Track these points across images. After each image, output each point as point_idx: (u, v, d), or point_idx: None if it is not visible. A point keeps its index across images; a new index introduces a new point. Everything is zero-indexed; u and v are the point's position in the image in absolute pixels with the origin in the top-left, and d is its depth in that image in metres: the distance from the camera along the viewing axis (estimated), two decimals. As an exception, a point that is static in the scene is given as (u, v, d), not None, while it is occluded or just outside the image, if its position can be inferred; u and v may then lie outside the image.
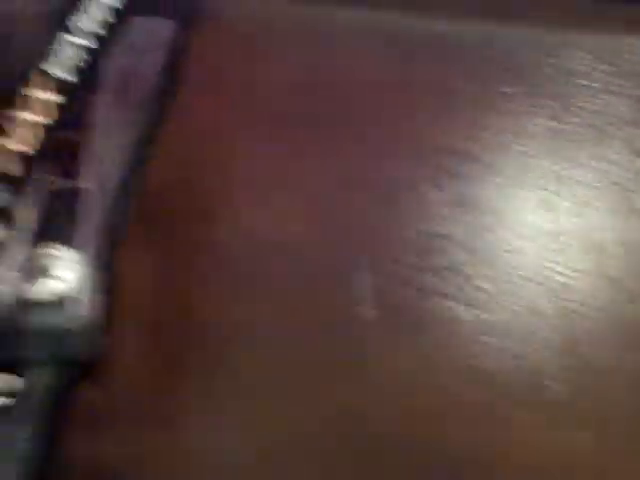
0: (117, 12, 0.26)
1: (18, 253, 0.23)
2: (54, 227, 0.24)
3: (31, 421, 0.22)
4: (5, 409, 0.22)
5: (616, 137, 0.26)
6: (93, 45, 0.25)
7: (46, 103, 0.24)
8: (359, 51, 0.30)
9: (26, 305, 0.23)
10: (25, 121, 0.24)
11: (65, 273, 0.23)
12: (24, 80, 0.24)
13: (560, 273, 0.24)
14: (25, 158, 0.23)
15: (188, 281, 0.26)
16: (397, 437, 0.23)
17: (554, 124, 0.27)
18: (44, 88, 0.24)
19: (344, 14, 0.31)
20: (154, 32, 0.30)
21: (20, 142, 0.23)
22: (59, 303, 0.23)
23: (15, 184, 0.22)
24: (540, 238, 0.25)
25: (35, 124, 0.24)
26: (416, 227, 0.25)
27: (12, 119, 0.24)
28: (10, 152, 0.23)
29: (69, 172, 0.25)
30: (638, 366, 0.23)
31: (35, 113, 0.24)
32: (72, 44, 0.25)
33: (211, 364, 0.24)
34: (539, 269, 0.24)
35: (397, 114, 0.28)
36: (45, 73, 0.24)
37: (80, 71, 0.25)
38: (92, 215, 0.25)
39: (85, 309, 0.23)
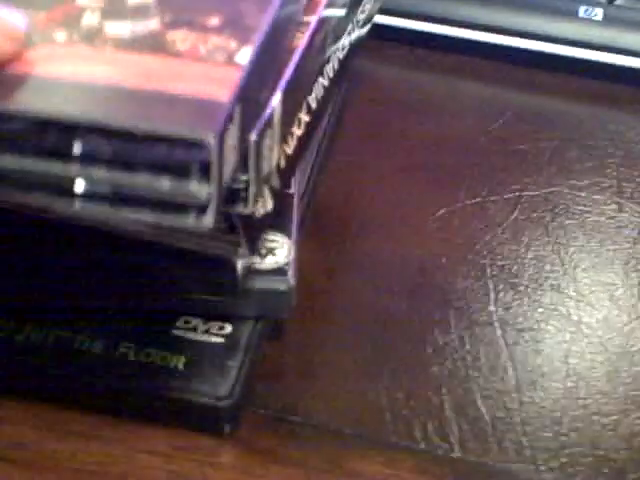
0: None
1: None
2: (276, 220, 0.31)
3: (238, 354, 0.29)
4: (226, 343, 0.29)
5: None
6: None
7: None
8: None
9: (254, 273, 0.29)
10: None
11: (281, 252, 0.30)
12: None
13: None
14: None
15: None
16: None
17: None
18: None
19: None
20: None
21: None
22: (277, 272, 0.30)
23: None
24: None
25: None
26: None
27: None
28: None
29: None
30: None
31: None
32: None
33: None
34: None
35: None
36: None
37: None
38: (297, 212, 0.32)
39: (292, 278, 0.30)
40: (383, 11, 0.45)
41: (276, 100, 0.25)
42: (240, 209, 0.25)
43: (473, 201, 0.38)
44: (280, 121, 0.26)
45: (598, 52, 0.46)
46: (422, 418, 0.29)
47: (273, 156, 0.26)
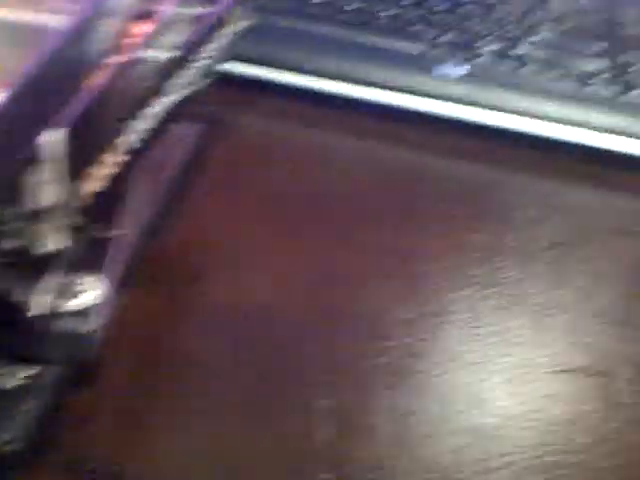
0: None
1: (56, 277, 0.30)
2: (89, 259, 0.31)
3: (40, 396, 0.28)
4: (21, 387, 0.28)
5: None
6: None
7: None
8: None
9: (56, 315, 0.29)
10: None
11: (88, 294, 0.30)
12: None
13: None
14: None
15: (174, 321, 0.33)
16: None
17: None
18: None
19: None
20: (182, 132, 0.39)
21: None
22: (80, 314, 0.29)
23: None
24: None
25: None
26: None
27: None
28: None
29: (109, 222, 0.32)
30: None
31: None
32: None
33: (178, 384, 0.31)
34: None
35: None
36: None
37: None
38: (118, 255, 0.32)
39: (95, 321, 0.29)
40: (252, 62, 0.47)
41: (51, 137, 0.25)
42: (5, 244, 0.24)
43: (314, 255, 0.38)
44: (65, 158, 0.26)
45: (459, 107, 0.47)
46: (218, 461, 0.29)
47: (56, 192, 0.26)
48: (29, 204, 0.25)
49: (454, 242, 0.40)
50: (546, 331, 0.36)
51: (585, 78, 0.48)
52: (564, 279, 0.39)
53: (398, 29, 0.50)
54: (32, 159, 0.24)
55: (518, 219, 0.42)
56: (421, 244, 0.40)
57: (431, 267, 0.38)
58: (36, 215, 0.25)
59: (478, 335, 0.35)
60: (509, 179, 0.46)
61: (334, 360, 0.33)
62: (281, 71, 0.48)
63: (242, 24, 0.39)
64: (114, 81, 0.29)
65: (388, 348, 0.34)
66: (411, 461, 0.30)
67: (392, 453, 0.30)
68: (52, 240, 0.27)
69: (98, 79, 0.28)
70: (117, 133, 0.30)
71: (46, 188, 0.25)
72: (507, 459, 0.31)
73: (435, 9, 0.52)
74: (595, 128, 0.47)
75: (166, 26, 0.32)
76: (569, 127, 0.47)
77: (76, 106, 0.27)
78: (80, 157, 0.27)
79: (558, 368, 0.34)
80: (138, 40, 0.31)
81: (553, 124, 0.47)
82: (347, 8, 0.52)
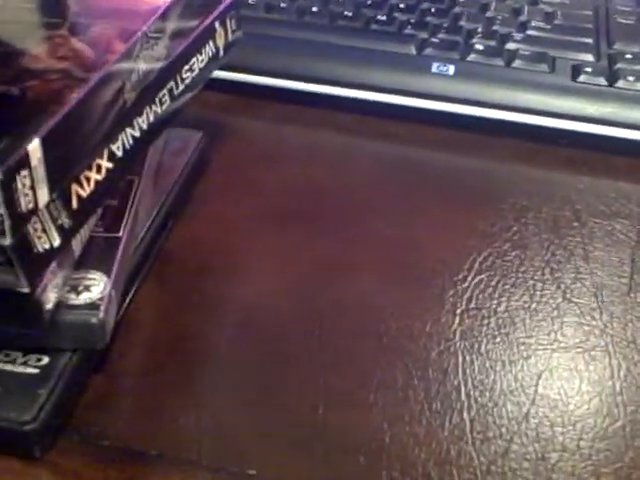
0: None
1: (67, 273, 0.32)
2: (96, 258, 0.34)
3: (56, 381, 0.31)
4: (37, 373, 0.31)
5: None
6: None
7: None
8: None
9: (67, 308, 0.32)
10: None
11: (96, 289, 0.33)
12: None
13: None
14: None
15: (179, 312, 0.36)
16: None
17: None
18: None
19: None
20: (185, 138, 0.42)
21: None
22: (89, 307, 0.32)
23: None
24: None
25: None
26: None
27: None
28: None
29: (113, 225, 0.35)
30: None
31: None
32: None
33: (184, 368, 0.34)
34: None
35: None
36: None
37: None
38: (122, 255, 0.35)
39: (103, 313, 0.32)
40: (248, 70, 0.49)
41: (32, 145, 0.27)
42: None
43: (307, 243, 0.41)
44: (45, 164, 0.28)
45: (451, 104, 0.50)
46: (226, 440, 0.31)
47: (40, 195, 0.28)
48: (17, 205, 0.27)
49: (448, 231, 0.42)
50: (545, 312, 0.38)
51: (575, 71, 0.50)
52: (561, 261, 0.41)
53: (392, 32, 0.53)
54: (19, 165, 0.27)
55: (512, 207, 0.44)
56: (417, 234, 0.42)
57: (430, 254, 0.40)
58: (23, 217, 0.27)
59: (475, 317, 0.37)
60: (501, 169, 0.48)
61: (330, 344, 0.36)
62: (280, 78, 0.51)
63: (234, 35, 0.42)
64: (94, 92, 0.31)
65: (383, 331, 0.36)
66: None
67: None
68: (50, 239, 0.29)
69: (78, 91, 0.30)
70: (100, 142, 0.32)
71: (29, 193, 0.27)
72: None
73: (428, 11, 0.55)
74: (586, 119, 0.48)
75: (151, 39, 0.34)
76: (562, 119, 0.48)
77: (55, 116, 0.29)
78: (62, 164, 0.29)
79: (555, 345, 0.36)
80: (119, 53, 0.32)
81: (546, 117, 0.49)
82: (343, 14, 0.54)
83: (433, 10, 0.55)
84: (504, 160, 0.48)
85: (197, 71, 0.39)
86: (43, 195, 0.28)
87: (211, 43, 0.40)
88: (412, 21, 0.53)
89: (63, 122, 0.28)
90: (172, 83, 0.37)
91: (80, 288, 0.33)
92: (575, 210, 0.44)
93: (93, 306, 0.32)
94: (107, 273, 0.34)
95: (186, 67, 0.38)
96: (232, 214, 0.42)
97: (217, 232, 0.41)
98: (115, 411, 0.32)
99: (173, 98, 0.37)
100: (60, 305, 0.32)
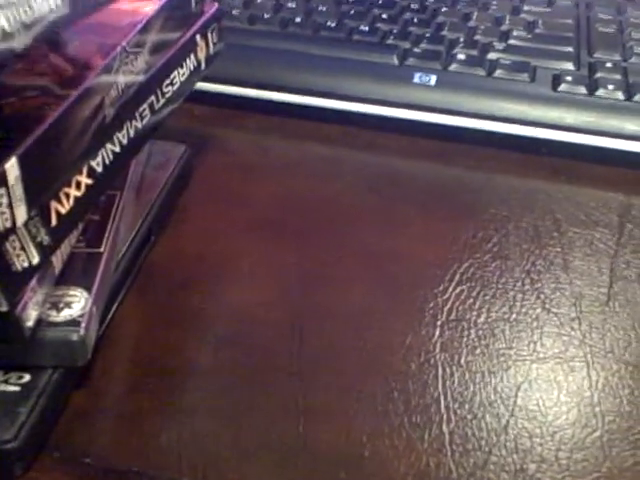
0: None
1: (47, 290, 0.32)
2: (76, 274, 0.34)
3: (37, 398, 0.31)
4: (19, 391, 0.31)
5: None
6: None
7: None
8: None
9: (48, 325, 0.32)
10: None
11: (77, 305, 0.33)
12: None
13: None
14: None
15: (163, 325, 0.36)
16: None
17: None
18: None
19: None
20: (168, 151, 0.42)
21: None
22: (70, 324, 0.32)
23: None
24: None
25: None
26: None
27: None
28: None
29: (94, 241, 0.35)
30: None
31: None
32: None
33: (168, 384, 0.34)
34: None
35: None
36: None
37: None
38: (103, 270, 0.35)
39: (84, 330, 0.32)
40: (232, 82, 0.49)
41: (9, 164, 0.27)
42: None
43: (291, 256, 0.41)
44: (22, 183, 0.28)
45: (432, 114, 0.50)
46: (207, 456, 0.31)
47: (18, 214, 0.28)
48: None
49: (430, 242, 0.42)
50: (525, 323, 0.38)
51: (555, 80, 0.50)
52: (541, 271, 0.41)
53: (374, 43, 0.53)
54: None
55: (493, 217, 0.44)
56: (398, 245, 0.42)
57: (412, 266, 0.41)
58: (0, 236, 0.27)
59: (455, 329, 0.38)
60: (482, 178, 0.48)
61: (311, 357, 0.36)
62: (263, 89, 0.51)
63: (215, 48, 0.42)
64: (73, 108, 0.31)
65: (363, 344, 0.37)
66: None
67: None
68: (29, 257, 0.29)
69: (56, 108, 0.30)
70: (80, 158, 0.32)
71: (6, 211, 0.27)
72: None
73: (410, 21, 0.55)
74: (566, 128, 0.49)
75: (130, 53, 0.34)
76: (543, 128, 0.49)
77: (33, 134, 0.29)
78: (40, 182, 0.29)
79: (534, 356, 0.37)
80: (98, 68, 0.32)
81: (527, 126, 0.49)
82: (326, 25, 0.54)
83: (416, 20, 0.55)
84: (485, 170, 0.48)
85: (178, 85, 0.39)
86: (21, 213, 0.28)
87: (192, 56, 0.40)
88: (394, 31, 0.54)
89: (41, 140, 0.28)
90: (153, 97, 0.37)
91: (61, 305, 0.33)
92: (555, 219, 0.45)
93: (74, 323, 0.32)
94: (88, 289, 0.34)
95: (167, 81, 0.38)
96: (216, 227, 0.43)
97: (201, 245, 0.41)
98: (97, 428, 0.33)
99: (154, 112, 0.37)
100: (41, 322, 0.32)
